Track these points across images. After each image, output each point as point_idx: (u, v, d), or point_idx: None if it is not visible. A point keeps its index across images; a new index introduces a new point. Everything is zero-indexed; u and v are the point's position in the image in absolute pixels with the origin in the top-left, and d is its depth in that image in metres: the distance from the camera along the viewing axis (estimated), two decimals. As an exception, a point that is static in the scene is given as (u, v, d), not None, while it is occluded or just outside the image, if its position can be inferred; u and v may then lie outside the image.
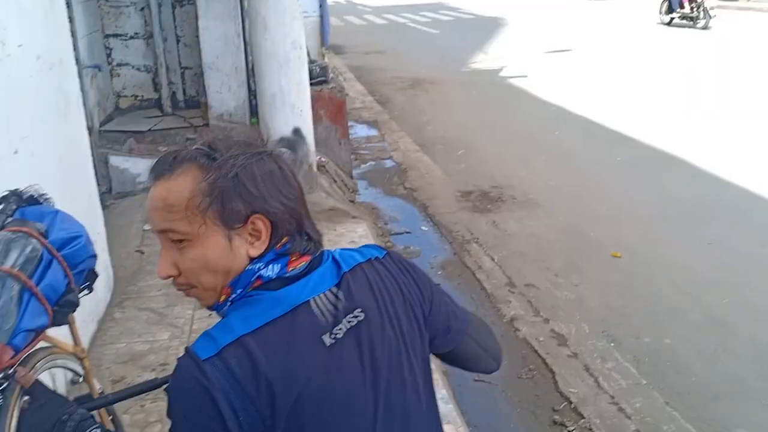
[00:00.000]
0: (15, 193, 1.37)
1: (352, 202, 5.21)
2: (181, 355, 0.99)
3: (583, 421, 2.64)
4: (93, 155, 3.32)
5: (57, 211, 1.38)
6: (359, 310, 1.05)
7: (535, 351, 3.14)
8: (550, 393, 2.85)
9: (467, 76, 10.26)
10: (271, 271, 1.03)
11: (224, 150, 1.01)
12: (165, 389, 1.01)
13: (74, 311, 1.35)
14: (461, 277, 3.96)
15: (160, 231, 1.02)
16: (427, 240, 4.59)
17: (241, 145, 1.03)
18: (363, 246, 1.18)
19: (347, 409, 1.02)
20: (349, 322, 1.04)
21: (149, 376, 2.68)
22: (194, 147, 1.03)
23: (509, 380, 2.94)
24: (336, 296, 1.05)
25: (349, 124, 6.17)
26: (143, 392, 1.43)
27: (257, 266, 1.02)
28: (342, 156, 5.72)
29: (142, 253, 3.94)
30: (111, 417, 1.61)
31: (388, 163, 6.35)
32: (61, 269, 1.28)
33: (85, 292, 1.40)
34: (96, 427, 1.15)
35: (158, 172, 1.02)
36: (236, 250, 1.01)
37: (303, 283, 1.04)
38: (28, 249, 1.21)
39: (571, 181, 5.45)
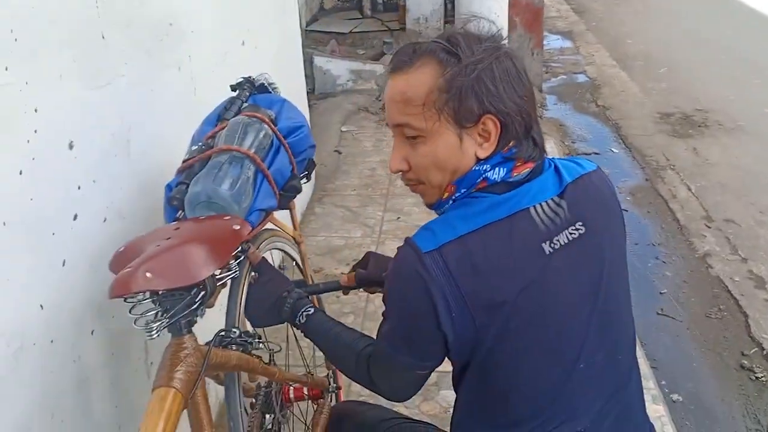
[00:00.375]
0: (248, 81, 1.47)
1: (539, 117, 5.05)
2: (400, 245, 1.03)
3: (775, 369, 2.47)
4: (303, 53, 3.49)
5: (284, 100, 1.47)
6: (580, 223, 1.03)
7: (728, 291, 2.94)
8: (741, 336, 2.67)
9: (677, -15, 9.27)
10: (497, 174, 1.03)
11: (464, 46, 1.00)
12: (384, 275, 1.08)
13: (294, 197, 1.46)
14: (652, 206, 3.74)
15: (396, 125, 1.04)
16: (617, 163, 4.35)
17: (481, 41, 1.01)
18: (577, 157, 1.15)
19: (560, 320, 1.02)
20: (570, 234, 1.02)
21: (344, 269, 2.88)
22: (432, 40, 1.03)
23: (696, 318, 2.79)
24: (558, 206, 1.03)
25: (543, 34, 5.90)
26: (341, 289, 1.53)
27: (484, 168, 1.02)
28: (533, 67, 5.49)
29: (340, 153, 4.16)
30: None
31: (581, 78, 6.02)
32: (287, 156, 1.37)
33: (304, 180, 1.48)
34: (310, 307, 1.26)
35: (397, 64, 1.04)
36: (465, 149, 1.02)
37: (526, 189, 1.03)
38: (262, 134, 1.30)
39: (791, 109, 4.84)
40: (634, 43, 6.82)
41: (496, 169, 1.03)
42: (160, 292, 1.04)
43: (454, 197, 1.05)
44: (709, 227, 3.47)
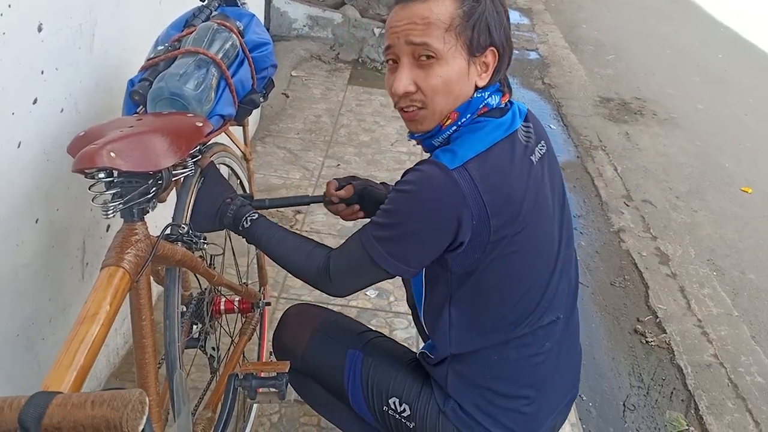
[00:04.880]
0: None
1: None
2: (418, 165, 1.13)
3: (663, 336, 2.72)
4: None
5: (253, 15, 1.50)
6: (542, 142, 1.22)
7: (635, 263, 3.19)
8: (639, 305, 2.92)
9: (638, -21, 9.53)
10: (494, 101, 1.18)
11: None
12: (397, 188, 1.14)
13: (250, 113, 1.50)
14: (578, 181, 3.96)
15: (412, 44, 1.11)
16: (554, 139, 4.53)
17: None
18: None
19: (547, 221, 1.20)
20: (540, 150, 1.20)
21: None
22: None
23: (601, 285, 3.03)
24: (528, 128, 1.20)
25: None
26: (295, 205, 1.57)
27: (484, 95, 1.16)
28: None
29: (287, 96, 4.19)
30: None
31: (532, 55, 6.18)
32: (249, 70, 1.42)
33: (262, 99, 1.52)
34: (253, 213, 1.32)
35: None
36: (470, 77, 1.14)
37: (510, 115, 1.19)
38: (229, 43, 1.34)
39: (721, 109, 5.17)
40: (588, 29, 7.02)
41: (493, 96, 1.18)
42: (116, 176, 1.05)
43: (458, 123, 1.17)
44: (627, 205, 3.71)
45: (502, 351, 1.24)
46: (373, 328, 1.51)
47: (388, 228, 1.15)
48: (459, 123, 1.17)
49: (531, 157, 1.17)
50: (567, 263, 1.27)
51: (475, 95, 1.16)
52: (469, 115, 1.16)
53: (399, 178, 1.17)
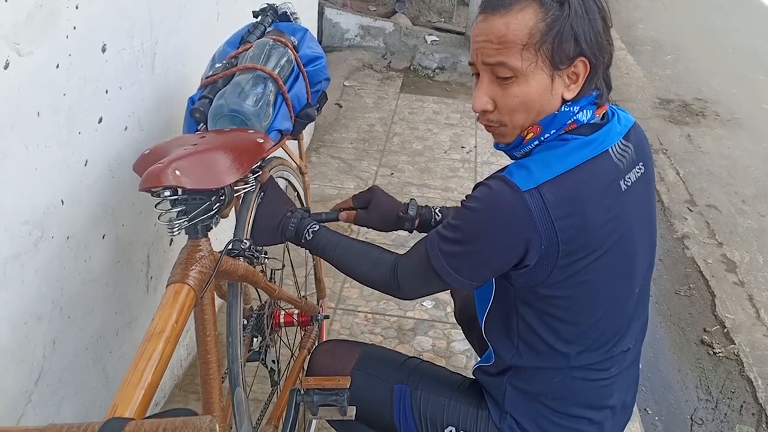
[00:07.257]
0: (272, 8, 1.51)
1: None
2: (489, 180, 1.07)
3: (732, 347, 2.61)
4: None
5: (306, 30, 1.51)
6: (642, 163, 1.13)
7: (700, 271, 3.07)
8: (705, 314, 2.81)
9: (697, -25, 9.25)
10: (585, 116, 1.08)
11: None
12: (466, 204, 1.09)
13: (305, 127, 1.50)
14: (639, 185, 3.85)
15: (489, 64, 1.07)
16: (612, 141, 4.44)
17: None
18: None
19: (630, 250, 1.11)
20: (636, 173, 1.11)
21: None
22: None
23: (666, 294, 2.93)
24: (627, 147, 1.10)
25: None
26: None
27: (573, 109, 1.07)
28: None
29: (340, 106, 4.22)
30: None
31: (587, 56, 6.05)
32: (304, 84, 1.43)
33: (316, 113, 1.51)
34: (314, 224, 1.31)
35: (495, 5, 1.05)
36: (554, 91, 1.06)
37: (605, 130, 1.09)
38: (284, 59, 1.35)
39: (788, 109, 4.95)
40: (645, 29, 6.83)
41: (584, 111, 1.08)
42: (181, 194, 1.07)
43: (542, 138, 1.09)
44: (691, 211, 3.59)
45: (567, 373, 1.19)
46: (410, 355, 1.45)
47: (453, 243, 1.11)
48: (542, 138, 1.09)
49: (621, 182, 1.08)
50: (645, 294, 1.23)
51: (563, 108, 1.07)
52: (554, 131, 1.08)
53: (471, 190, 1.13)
